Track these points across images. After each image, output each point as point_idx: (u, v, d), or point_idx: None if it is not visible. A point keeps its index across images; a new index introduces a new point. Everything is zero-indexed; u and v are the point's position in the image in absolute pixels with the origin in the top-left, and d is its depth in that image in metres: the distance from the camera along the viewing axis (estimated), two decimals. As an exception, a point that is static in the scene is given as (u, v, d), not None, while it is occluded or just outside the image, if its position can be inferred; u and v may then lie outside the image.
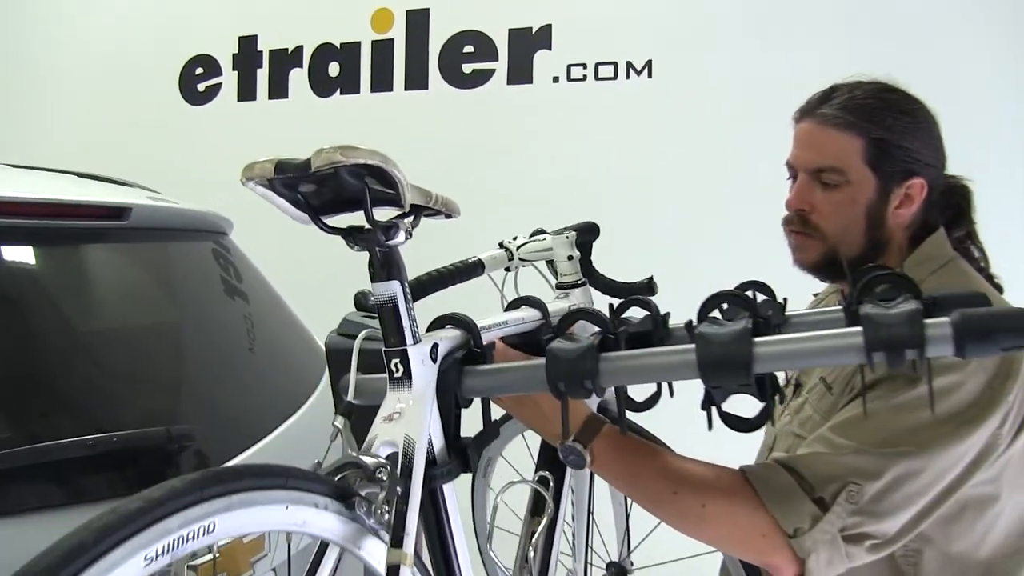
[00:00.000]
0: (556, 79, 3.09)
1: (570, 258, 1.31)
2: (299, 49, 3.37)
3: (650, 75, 3.00)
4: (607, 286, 1.38)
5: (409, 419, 0.83)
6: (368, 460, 0.76)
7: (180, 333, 1.59)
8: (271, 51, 3.41)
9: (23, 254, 1.36)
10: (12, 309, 1.29)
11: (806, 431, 1.15)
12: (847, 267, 1.10)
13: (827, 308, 1.13)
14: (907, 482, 1.00)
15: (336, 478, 0.75)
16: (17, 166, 1.63)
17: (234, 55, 3.44)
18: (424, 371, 0.86)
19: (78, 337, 1.38)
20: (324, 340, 1.10)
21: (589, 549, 1.46)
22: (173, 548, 0.56)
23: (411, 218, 0.83)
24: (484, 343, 0.94)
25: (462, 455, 0.89)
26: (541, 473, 1.15)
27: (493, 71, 3.16)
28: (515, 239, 1.38)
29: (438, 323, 0.95)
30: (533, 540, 1.07)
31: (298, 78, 3.38)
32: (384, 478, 0.75)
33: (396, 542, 0.74)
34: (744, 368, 0.79)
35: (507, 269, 1.34)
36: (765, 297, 1.05)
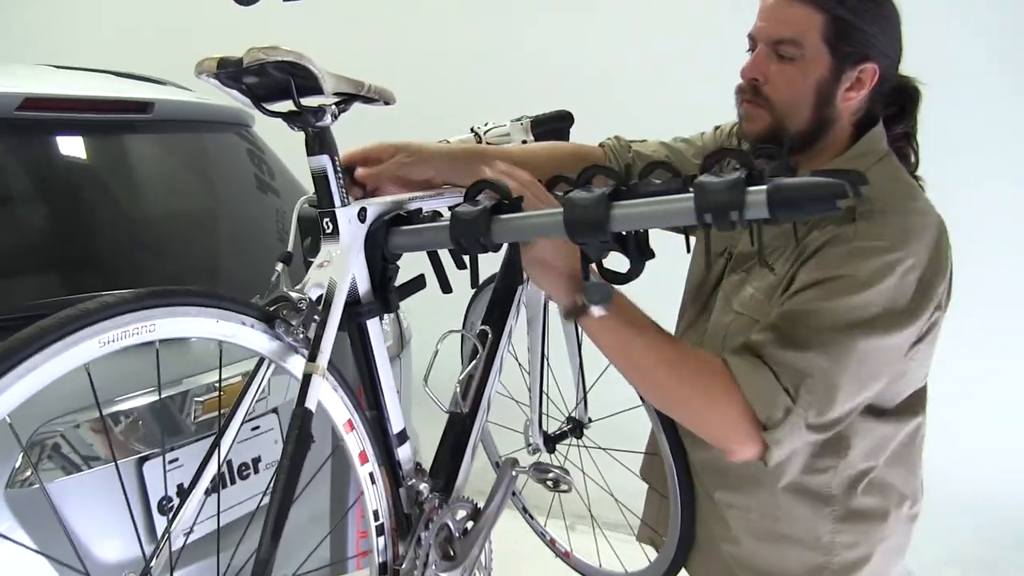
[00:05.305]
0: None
1: (524, 143, 1.48)
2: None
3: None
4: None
5: (335, 265, 1.04)
6: (292, 295, 0.98)
7: (201, 216, 1.84)
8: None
9: (66, 144, 1.62)
10: (62, 191, 1.55)
11: (750, 310, 1.25)
12: (789, 142, 1.15)
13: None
14: (858, 371, 1.09)
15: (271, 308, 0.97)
16: (61, 67, 1.87)
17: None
18: (351, 228, 1.06)
19: (99, 213, 1.65)
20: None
21: (544, 396, 1.63)
22: (121, 338, 0.78)
23: (335, 103, 1.02)
24: (411, 210, 1.14)
25: (385, 298, 1.11)
26: (482, 327, 1.35)
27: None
28: (486, 124, 1.54)
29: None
30: (461, 376, 1.28)
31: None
32: (304, 308, 0.97)
33: (312, 357, 0.96)
34: (600, 227, 0.96)
35: None
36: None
